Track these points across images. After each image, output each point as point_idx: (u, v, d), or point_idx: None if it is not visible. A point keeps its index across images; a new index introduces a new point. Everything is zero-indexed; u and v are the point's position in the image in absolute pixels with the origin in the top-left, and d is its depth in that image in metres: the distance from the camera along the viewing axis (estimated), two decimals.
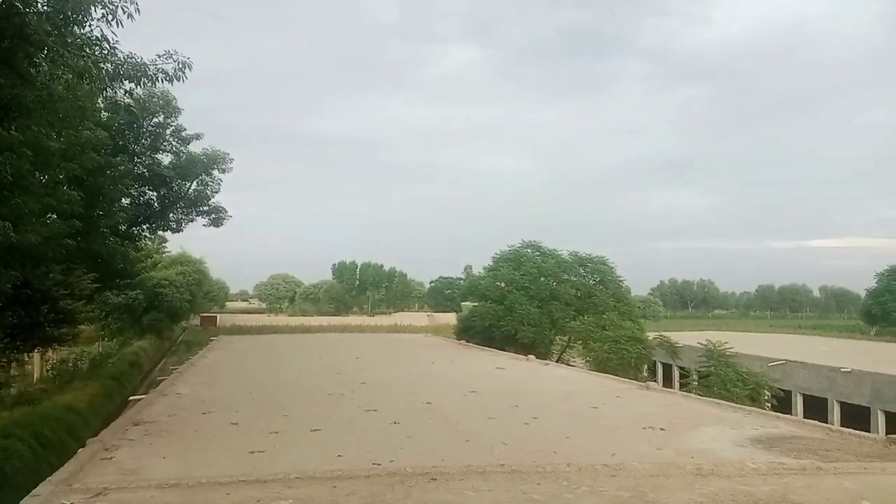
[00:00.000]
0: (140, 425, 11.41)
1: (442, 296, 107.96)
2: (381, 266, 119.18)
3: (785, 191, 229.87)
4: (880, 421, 21.79)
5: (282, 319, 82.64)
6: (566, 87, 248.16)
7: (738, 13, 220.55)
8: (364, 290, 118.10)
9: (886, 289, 48.08)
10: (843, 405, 23.72)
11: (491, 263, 36.38)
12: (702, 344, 23.86)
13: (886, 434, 13.60)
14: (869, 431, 18.44)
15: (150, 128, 30.71)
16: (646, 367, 31.00)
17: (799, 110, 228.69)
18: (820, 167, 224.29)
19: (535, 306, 32.17)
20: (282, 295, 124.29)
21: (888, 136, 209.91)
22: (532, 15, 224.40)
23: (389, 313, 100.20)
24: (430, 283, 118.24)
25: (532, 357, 25.42)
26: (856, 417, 22.47)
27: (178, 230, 35.69)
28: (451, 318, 61.70)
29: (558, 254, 35.40)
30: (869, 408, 22.48)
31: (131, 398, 15.70)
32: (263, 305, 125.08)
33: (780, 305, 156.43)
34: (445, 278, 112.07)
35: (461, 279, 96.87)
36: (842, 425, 21.76)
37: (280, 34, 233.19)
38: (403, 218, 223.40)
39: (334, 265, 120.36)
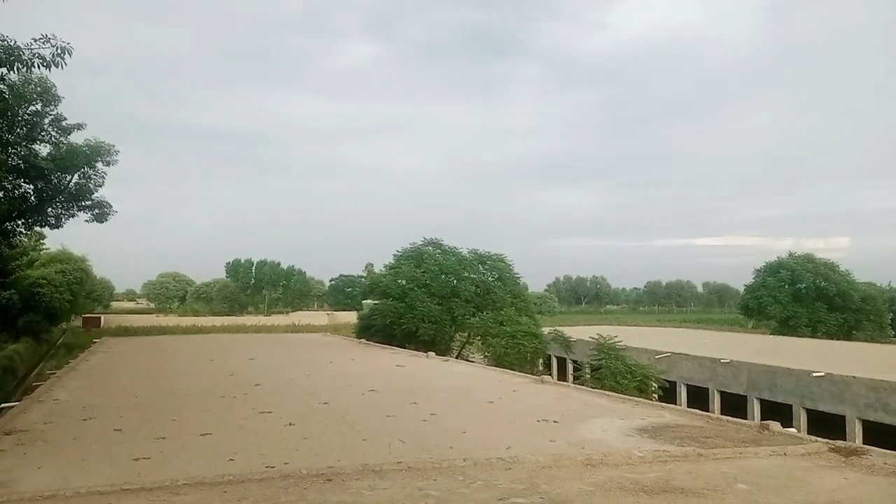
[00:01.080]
0: (12, 434, 10.61)
1: (343, 294, 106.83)
2: (279, 264, 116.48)
3: (671, 191, 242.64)
4: (756, 408, 23.29)
5: (172, 320, 79.22)
6: (465, 86, 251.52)
7: (630, 20, 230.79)
8: (260, 288, 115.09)
9: (762, 284, 51.32)
10: (723, 394, 25.17)
11: (392, 261, 36.31)
12: (593, 338, 24.72)
13: (760, 420, 14.55)
14: (745, 418, 19.65)
15: (25, 116, 28.66)
16: (541, 361, 31.83)
17: (684, 114, 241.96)
18: (703, 169, 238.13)
19: (435, 303, 32.35)
20: (172, 294, 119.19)
21: (766, 141, 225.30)
22: (431, 13, 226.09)
23: (287, 313, 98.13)
24: (331, 281, 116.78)
25: (432, 354, 25.55)
26: (734, 405, 23.90)
27: (57, 226, 33.55)
28: (351, 317, 61.20)
29: (459, 251, 35.77)
30: (746, 396, 23.96)
31: (2, 406, 14.58)
32: (152, 305, 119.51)
33: (667, 300, 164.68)
34: (346, 276, 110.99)
35: (362, 277, 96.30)
36: (721, 413, 23.06)
37: (172, 22, 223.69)
38: (302, 214, 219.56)
39: (228, 263, 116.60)
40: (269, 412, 12.75)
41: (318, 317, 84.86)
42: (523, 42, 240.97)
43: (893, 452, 9.56)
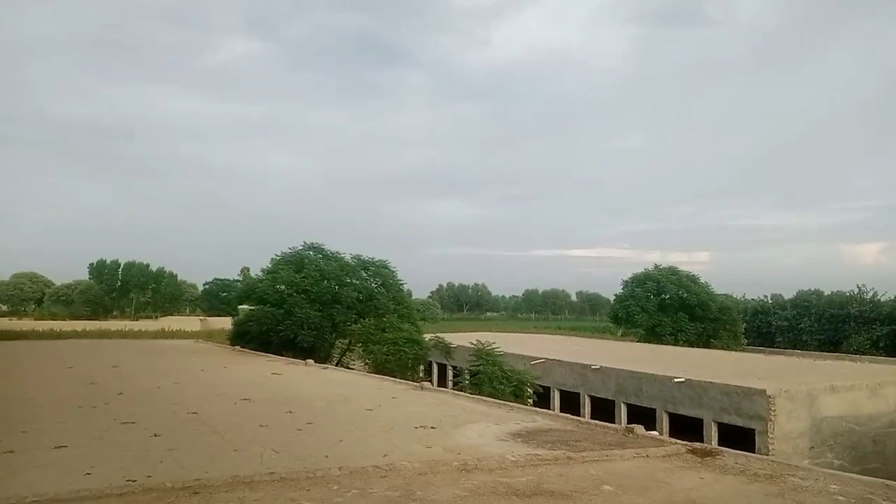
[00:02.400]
0: None
1: (217, 299, 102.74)
2: (148, 266, 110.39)
3: (549, 205, 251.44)
4: (623, 412, 24.44)
5: (27, 324, 73.09)
6: (350, 91, 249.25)
7: (511, 38, 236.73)
8: (127, 291, 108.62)
9: (630, 294, 53.97)
10: (593, 398, 26.24)
11: (270, 265, 35.30)
12: (472, 344, 25.11)
13: (626, 424, 15.27)
14: (614, 422, 20.61)
15: None
16: (423, 367, 31.97)
17: (562, 132, 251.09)
18: (579, 185, 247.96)
19: (315, 310, 31.75)
20: (27, 296, 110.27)
21: (637, 160, 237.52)
22: (314, 14, 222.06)
23: (156, 317, 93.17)
24: (204, 285, 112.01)
25: (311, 361, 25.06)
26: (603, 409, 24.98)
27: None
28: (226, 323, 58.87)
29: (341, 257, 35.31)
30: (614, 400, 25.10)
31: None
32: (4, 308, 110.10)
33: (544, 308, 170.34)
34: (221, 280, 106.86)
35: (238, 281, 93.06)
36: (592, 417, 24.11)
37: (28, 1, 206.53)
38: (175, 215, 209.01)
39: (92, 264, 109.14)
40: (133, 423, 12.03)
41: (190, 322, 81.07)
42: (411, 52, 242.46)
43: (743, 453, 10.30)
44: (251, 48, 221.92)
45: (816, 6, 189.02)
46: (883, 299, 56.72)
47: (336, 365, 30.12)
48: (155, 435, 10.89)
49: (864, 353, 48.22)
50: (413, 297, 62.55)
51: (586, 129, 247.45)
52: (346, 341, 33.55)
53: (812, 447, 19.14)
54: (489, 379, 22.53)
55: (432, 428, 12.03)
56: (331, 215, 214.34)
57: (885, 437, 20.41)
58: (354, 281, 33.96)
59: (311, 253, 34.92)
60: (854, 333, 53.80)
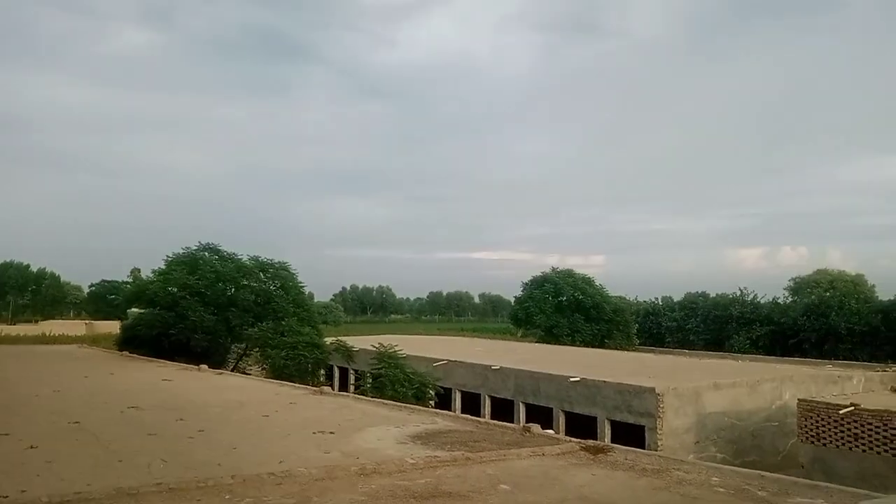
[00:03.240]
0: None
1: (104, 302, 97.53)
2: (27, 266, 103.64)
3: (454, 207, 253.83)
4: (521, 412, 24.92)
5: None
6: (252, 86, 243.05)
7: (419, 40, 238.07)
8: (4, 294, 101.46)
9: (529, 296, 55.22)
10: (493, 399, 26.63)
11: (163, 266, 33.79)
12: (375, 347, 24.96)
13: (524, 423, 15.58)
14: (512, 422, 20.98)
15: None
16: (323, 371, 31.47)
17: (467, 135, 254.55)
18: (483, 188, 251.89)
19: (210, 313, 30.64)
20: None
21: (539, 165, 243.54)
22: (215, 6, 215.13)
23: (36, 321, 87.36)
24: (90, 287, 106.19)
25: (205, 367, 24.17)
26: (503, 409, 25.38)
27: None
28: (114, 327, 55.97)
29: (238, 258, 34.24)
30: (513, 400, 25.57)
31: None
32: None
33: (448, 310, 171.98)
34: (109, 282, 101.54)
35: (127, 283, 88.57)
36: (492, 417, 24.44)
37: None
38: (59, 211, 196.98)
39: None
40: (6, 434, 11.21)
41: (74, 326, 76.54)
42: (317, 48, 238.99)
43: (633, 449, 10.72)
44: (147, 38, 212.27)
45: (707, 22, 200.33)
46: (762, 301, 60.69)
47: (232, 370, 29.21)
48: (31, 447, 10.18)
49: (744, 352, 51.34)
50: (315, 300, 61.67)
51: (493, 132, 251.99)
52: (243, 346, 32.58)
53: (697, 442, 20.15)
54: (391, 382, 22.46)
55: (331, 433, 11.85)
56: (232, 214, 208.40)
57: (763, 430, 21.76)
58: (252, 283, 33.01)
59: (206, 254, 33.67)
60: (736, 333, 57.20)
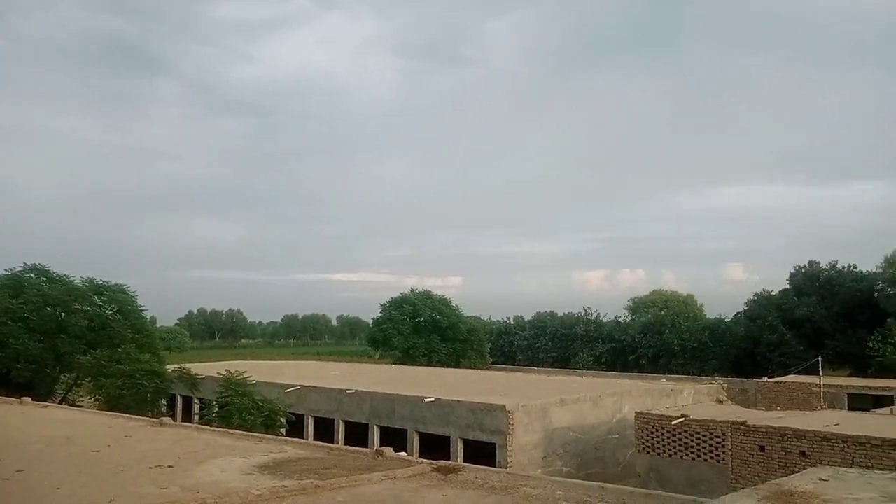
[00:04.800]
0: None
1: None
2: None
3: (313, 228, 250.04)
4: (376, 435, 24.69)
5: None
6: (95, 98, 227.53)
7: (279, 57, 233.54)
8: None
9: (387, 318, 55.18)
10: (348, 423, 26.21)
11: None
12: (221, 374, 23.82)
13: (378, 447, 15.39)
14: (367, 446, 20.71)
15: None
16: (164, 401, 29.61)
17: (328, 155, 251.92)
18: (342, 209, 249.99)
19: (36, 340, 27.97)
20: None
21: (399, 188, 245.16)
22: (55, 11, 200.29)
23: None
24: None
25: (28, 399, 21.91)
26: (358, 434, 25.02)
27: None
28: None
29: (70, 280, 31.59)
30: (368, 424, 25.29)
31: None
32: None
33: (303, 333, 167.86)
34: None
35: None
36: (346, 442, 24.01)
37: None
38: None
39: None
40: None
41: None
42: (168, 61, 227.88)
43: (483, 467, 10.86)
44: None
45: (560, 56, 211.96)
46: (605, 320, 64.44)
47: (60, 402, 26.76)
48: None
49: (588, 369, 54.13)
50: (158, 325, 58.08)
51: (355, 154, 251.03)
52: (73, 375, 29.98)
53: (545, 457, 20.85)
54: (239, 410, 21.48)
55: (170, 466, 11.07)
56: (69, 233, 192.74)
57: (604, 443, 22.91)
58: (85, 307, 30.55)
59: (32, 276, 30.79)
60: (581, 351, 60.25)
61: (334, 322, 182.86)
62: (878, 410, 28.38)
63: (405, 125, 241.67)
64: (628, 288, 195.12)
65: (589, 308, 66.22)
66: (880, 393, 33.46)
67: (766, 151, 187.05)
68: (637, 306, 69.59)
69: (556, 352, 62.81)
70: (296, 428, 25.47)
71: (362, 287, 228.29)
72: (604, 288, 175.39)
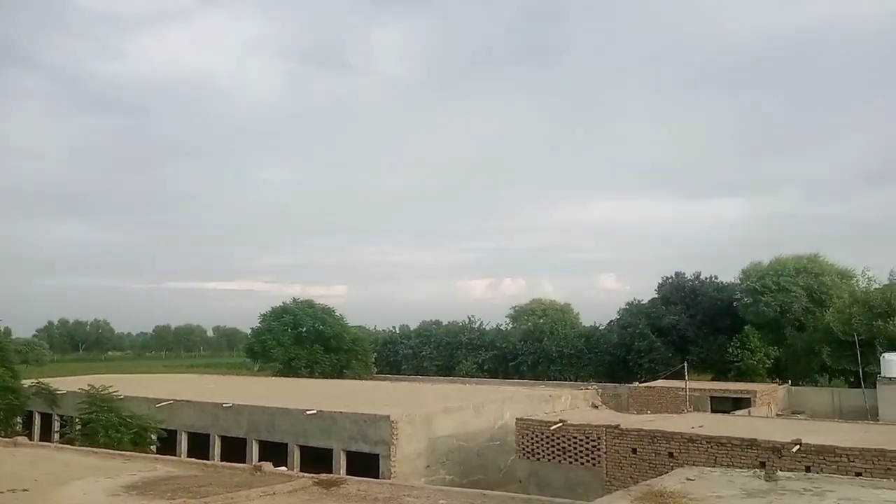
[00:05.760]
0: None
1: None
2: None
3: (188, 233, 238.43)
4: (254, 450, 23.84)
5: None
6: None
7: (151, 54, 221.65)
8: None
9: (267, 329, 53.64)
10: (224, 438, 25.15)
11: None
12: (85, 389, 22.27)
13: (256, 462, 14.86)
14: (244, 461, 19.96)
15: None
16: (20, 419, 27.33)
17: (205, 158, 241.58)
18: (220, 214, 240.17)
19: None
20: None
21: (282, 193, 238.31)
22: None
23: None
24: None
25: None
26: (235, 449, 24.06)
27: None
28: None
29: None
30: (246, 439, 24.38)
31: None
32: None
33: (176, 345, 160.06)
34: None
35: None
36: (223, 458, 23.06)
37: None
38: None
39: None
40: None
41: None
42: (29, 51, 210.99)
43: (366, 479, 10.72)
44: None
45: (446, 66, 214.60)
46: (488, 328, 65.68)
47: None
48: None
49: (472, 376, 54.98)
50: (13, 337, 53.52)
51: (235, 158, 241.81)
52: None
53: (428, 466, 20.87)
54: (104, 427, 20.12)
55: (25, 490, 10.20)
56: None
57: (487, 450, 23.25)
58: None
59: None
60: (465, 359, 61.06)
61: (210, 333, 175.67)
62: (737, 412, 30.60)
63: (289, 130, 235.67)
64: (510, 296, 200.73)
65: (473, 316, 67.38)
66: (739, 395, 36.03)
67: (636, 167, 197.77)
68: (518, 314, 71.43)
69: (441, 360, 63.34)
70: (168, 445, 24.18)
71: (241, 296, 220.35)
72: (487, 296, 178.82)
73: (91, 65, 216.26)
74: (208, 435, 25.41)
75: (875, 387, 33.37)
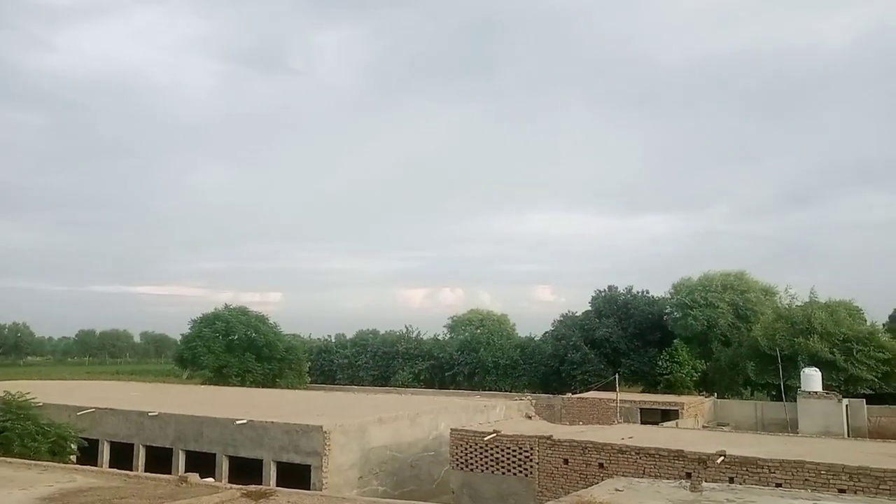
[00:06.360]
0: None
1: None
2: None
3: (115, 235, 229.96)
4: (181, 460, 23.10)
5: None
6: None
7: (84, 47, 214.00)
8: None
9: (197, 335, 52.22)
10: (150, 448, 24.30)
11: None
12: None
13: (183, 473, 14.39)
14: (170, 472, 19.31)
15: None
16: None
17: (135, 157, 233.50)
18: (150, 216, 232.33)
19: None
20: None
21: (216, 196, 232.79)
22: None
23: None
24: None
25: None
26: (161, 459, 23.28)
27: None
28: None
29: None
30: (172, 448, 23.62)
31: None
32: None
33: (101, 351, 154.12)
34: None
35: None
36: (147, 469, 22.28)
37: None
38: None
39: None
40: None
41: None
42: None
43: (297, 490, 10.51)
44: None
45: (388, 75, 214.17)
46: (425, 338, 65.62)
47: None
48: None
49: (408, 386, 54.83)
50: None
51: (168, 158, 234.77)
52: None
53: (361, 477, 20.64)
54: (20, 436, 19.11)
55: None
56: None
57: (421, 460, 23.15)
58: None
59: None
60: (401, 369, 60.87)
61: (137, 339, 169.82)
62: (665, 424, 31.40)
63: (225, 132, 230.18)
64: (448, 306, 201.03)
65: (410, 326, 67.25)
66: (667, 407, 37.03)
67: (573, 181, 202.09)
68: (456, 324, 71.66)
69: (377, 370, 62.95)
70: (89, 455, 23.20)
71: (171, 301, 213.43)
72: (426, 306, 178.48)
73: (17, 56, 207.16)
74: (132, 445, 24.52)
75: (795, 400, 34.79)
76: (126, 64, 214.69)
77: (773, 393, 41.98)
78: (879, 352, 40.40)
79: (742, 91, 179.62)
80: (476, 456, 18.59)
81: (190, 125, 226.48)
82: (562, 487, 16.09)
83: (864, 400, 37.42)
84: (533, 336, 60.57)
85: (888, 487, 12.38)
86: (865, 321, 43.71)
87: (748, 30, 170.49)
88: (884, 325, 48.66)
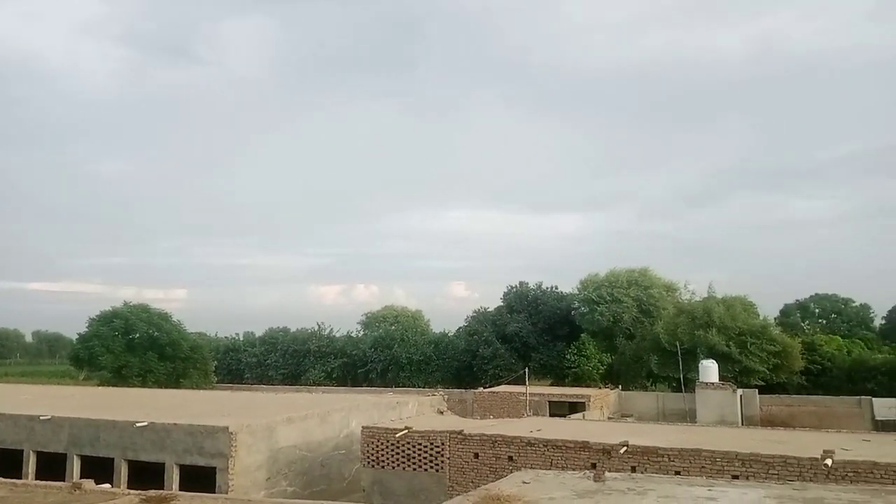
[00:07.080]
0: None
1: None
2: None
3: (4, 227, 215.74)
4: (76, 466, 21.92)
5: None
6: None
7: None
8: None
9: (95, 334, 49.76)
10: (41, 454, 22.96)
11: None
12: None
13: (77, 479, 13.65)
14: (64, 479, 18.30)
15: None
16: None
17: (26, 145, 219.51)
18: (43, 208, 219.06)
19: None
20: None
21: (118, 188, 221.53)
22: None
23: None
24: None
25: None
26: (55, 465, 22.05)
27: None
28: None
29: None
30: (67, 454, 22.40)
31: None
32: None
33: None
34: None
35: None
36: (39, 476, 21.04)
37: None
38: None
39: None
40: None
41: None
42: None
43: (200, 494, 10.14)
44: None
45: (299, 68, 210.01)
46: (338, 335, 64.93)
47: None
48: None
49: (319, 384, 54.14)
50: None
51: (65, 147, 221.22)
52: None
53: (269, 478, 20.17)
54: None
55: None
56: None
57: (331, 459, 22.85)
58: None
59: None
60: (312, 367, 60.01)
61: (29, 338, 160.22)
62: (572, 416, 32.28)
63: (128, 121, 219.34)
64: (362, 303, 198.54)
65: (323, 323, 66.48)
66: (575, 400, 38.05)
67: (488, 180, 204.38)
68: (370, 321, 71.29)
69: (288, 368, 61.84)
70: None
71: (66, 298, 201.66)
72: (340, 303, 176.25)
73: None
74: (21, 451, 23.09)
75: (694, 391, 36.48)
76: (20, 48, 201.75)
77: (674, 385, 43.92)
78: (771, 344, 42.97)
79: (645, 98, 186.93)
80: (387, 453, 18.50)
81: (89, 113, 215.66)
82: (472, 481, 16.23)
83: (757, 390, 39.69)
84: (447, 332, 61.05)
85: (777, 472, 13.13)
86: (759, 315, 46.38)
87: (651, 41, 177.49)
88: (775, 318, 51.80)
